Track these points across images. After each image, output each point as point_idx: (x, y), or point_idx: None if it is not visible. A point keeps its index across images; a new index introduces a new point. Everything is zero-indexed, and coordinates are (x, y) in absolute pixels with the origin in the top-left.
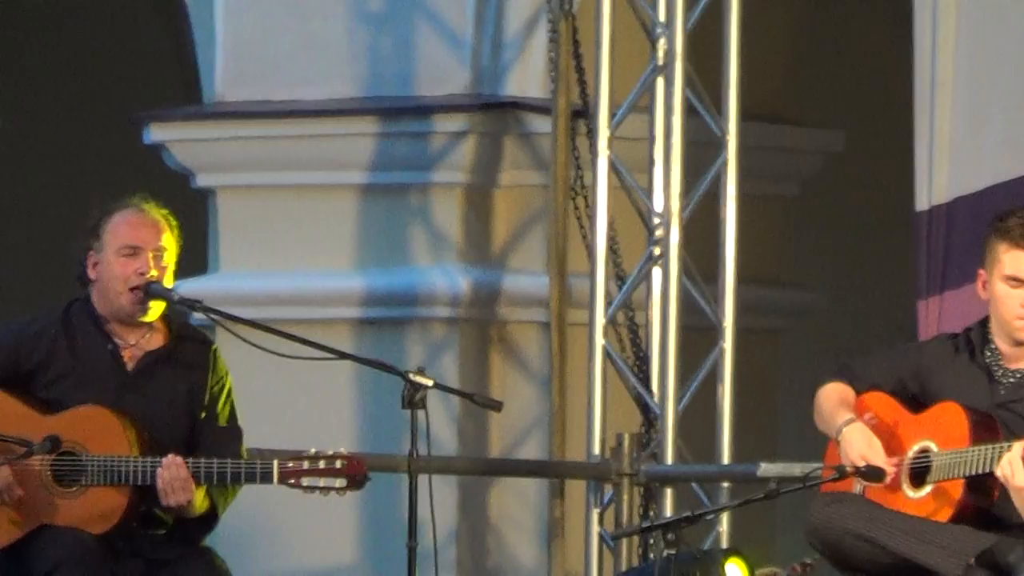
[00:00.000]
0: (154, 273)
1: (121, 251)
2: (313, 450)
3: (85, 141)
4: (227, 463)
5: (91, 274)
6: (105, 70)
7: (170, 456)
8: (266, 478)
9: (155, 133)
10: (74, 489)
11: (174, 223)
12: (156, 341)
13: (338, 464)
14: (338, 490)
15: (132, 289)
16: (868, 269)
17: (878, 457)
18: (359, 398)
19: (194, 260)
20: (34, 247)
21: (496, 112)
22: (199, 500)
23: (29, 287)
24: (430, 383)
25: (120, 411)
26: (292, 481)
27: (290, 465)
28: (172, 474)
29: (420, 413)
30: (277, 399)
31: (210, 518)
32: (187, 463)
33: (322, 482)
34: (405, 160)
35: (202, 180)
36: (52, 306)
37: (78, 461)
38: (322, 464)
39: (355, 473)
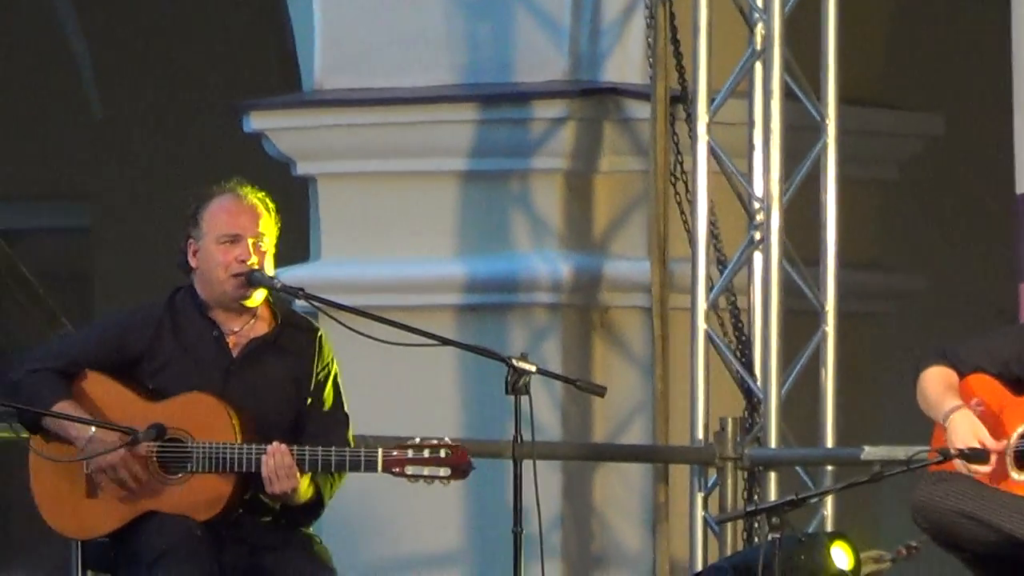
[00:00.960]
0: (254, 260)
1: (220, 239)
2: (418, 439)
3: (185, 130)
4: (331, 451)
5: (192, 262)
6: (205, 60)
7: (275, 443)
8: (370, 466)
9: (255, 122)
10: (180, 476)
11: (271, 206)
12: (261, 328)
13: (442, 453)
14: (442, 479)
15: (234, 276)
16: (969, 252)
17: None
18: (462, 384)
19: (296, 248)
20: (136, 237)
21: (595, 98)
22: (304, 487)
23: (132, 277)
24: (533, 369)
25: (226, 398)
26: (396, 470)
27: (394, 454)
28: (277, 462)
29: (524, 399)
30: (380, 386)
31: (316, 505)
32: (292, 451)
33: (426, 471)
34: (505, 147)
35: (303, 168)
36: (156, 296)
37: (184, 448)
38: (426, 453)
39: (459, 463)
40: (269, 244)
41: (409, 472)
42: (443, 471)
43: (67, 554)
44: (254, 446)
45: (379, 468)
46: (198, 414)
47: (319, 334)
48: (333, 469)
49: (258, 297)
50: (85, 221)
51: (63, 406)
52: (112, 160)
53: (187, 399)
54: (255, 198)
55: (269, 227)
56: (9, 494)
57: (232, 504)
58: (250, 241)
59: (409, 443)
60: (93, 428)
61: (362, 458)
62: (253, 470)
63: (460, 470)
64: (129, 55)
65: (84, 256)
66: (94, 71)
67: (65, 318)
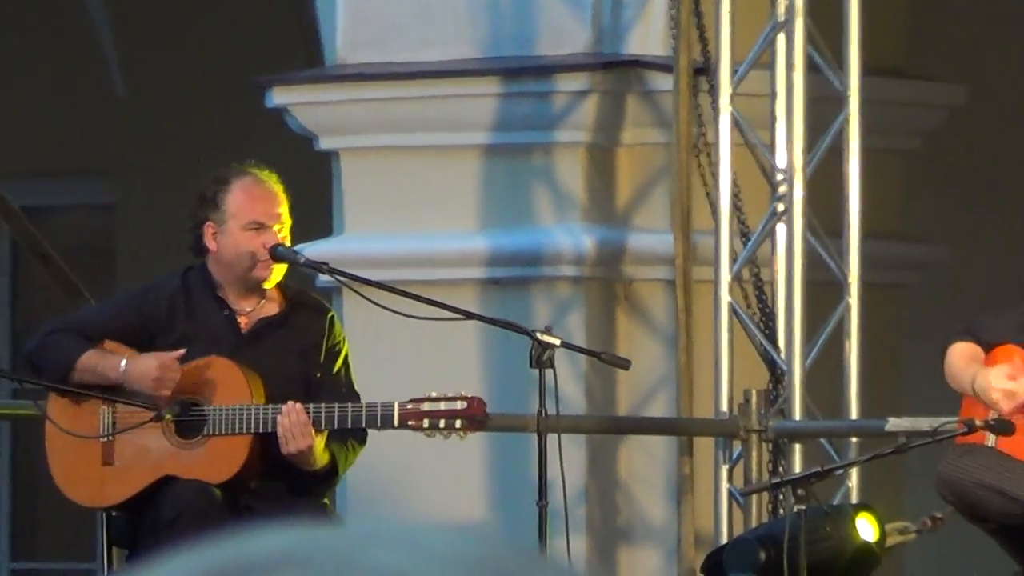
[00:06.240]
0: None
1: (248, 226)
2: (433, 392)
3: (208, 107)
4: (347, 407)
5: (210, 245)
6: (227, 35)
7: (290, 403)
8: (387, 420)
9: (278, 97)
10: (196, 439)
11: (285, 190)
12: (271, 308)
13: (458, 405)
14: (459, 431)
15: (261, 260)
16: (993, 223)
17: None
18: (486, 358)
19: (318, 223)
20: (160, 213)
21: (618, 71)
22: (319, 451)
23: (155, 253)
24: (557, 342)
25: (242, 363)
26: (412, 422)
27: (410, 406)
28: (292, 420)
29: (548, 372)
30: (404, 361)
31: (330, 474)
32: (307, 409)
33: (443, 423)
34: (527, 120)
35: (325, 143)
36: (169, 274)
37: (200, 412)
38: (442, 405)
39: (476, 413)
40: (287, 229)
41: (426, 424)
42: (459, 422)
43: (92, 535)
44: (270, 406)
45: (396, 421)
46: (216, 378)
47: (330, 315)
48: (349, 424)
49: (276, 278)
50: (109, 198)
51: (90, 355)
52: (135, 137)
53: (203, 364)
54: (276, 184)
55: (286, 212)
56: (36, 475)
57: (249, 466)
58: (275, 228)
59: (425, 397)
60: (125, 360)
61: (379, 412)
62: (269, 430)
63: (476, 420)
64: (151, 32)
65: (108, 232)
66: (116, 49)
67: (89, 294)
